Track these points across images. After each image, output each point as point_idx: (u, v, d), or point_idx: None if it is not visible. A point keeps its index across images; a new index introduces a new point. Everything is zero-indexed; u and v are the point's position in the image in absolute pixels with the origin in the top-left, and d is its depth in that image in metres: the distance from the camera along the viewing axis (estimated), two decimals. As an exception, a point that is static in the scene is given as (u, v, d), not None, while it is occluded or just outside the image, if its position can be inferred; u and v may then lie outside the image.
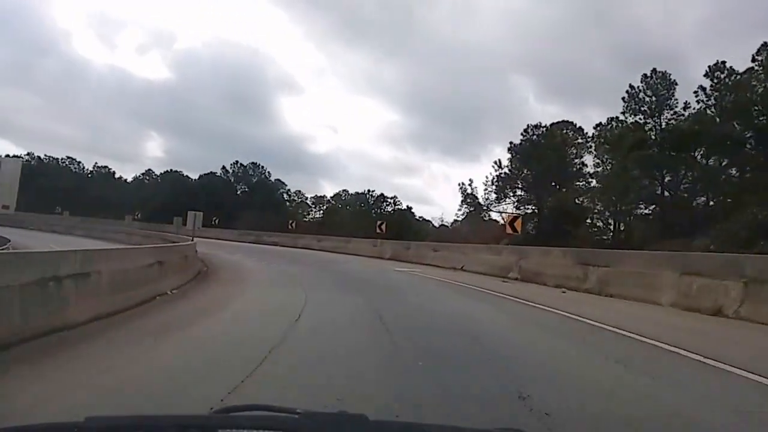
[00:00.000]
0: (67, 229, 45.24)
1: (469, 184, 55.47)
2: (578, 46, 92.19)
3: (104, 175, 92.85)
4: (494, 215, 52.87)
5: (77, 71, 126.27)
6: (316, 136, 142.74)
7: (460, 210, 57.27)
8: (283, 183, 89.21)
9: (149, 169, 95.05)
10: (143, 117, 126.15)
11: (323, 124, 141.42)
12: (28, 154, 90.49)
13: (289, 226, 49.11)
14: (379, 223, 40.27)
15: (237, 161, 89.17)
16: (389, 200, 77.50)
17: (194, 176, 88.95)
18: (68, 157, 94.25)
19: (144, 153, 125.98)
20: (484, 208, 53.57)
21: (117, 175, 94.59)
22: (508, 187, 52.81)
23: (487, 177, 63.57)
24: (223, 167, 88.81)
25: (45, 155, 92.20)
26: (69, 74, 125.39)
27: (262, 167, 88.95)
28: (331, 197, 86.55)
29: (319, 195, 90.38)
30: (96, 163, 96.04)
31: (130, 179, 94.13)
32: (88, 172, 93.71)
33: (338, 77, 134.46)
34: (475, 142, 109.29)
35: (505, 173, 53.16)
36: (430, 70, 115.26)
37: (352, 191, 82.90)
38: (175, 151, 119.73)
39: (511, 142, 53.31)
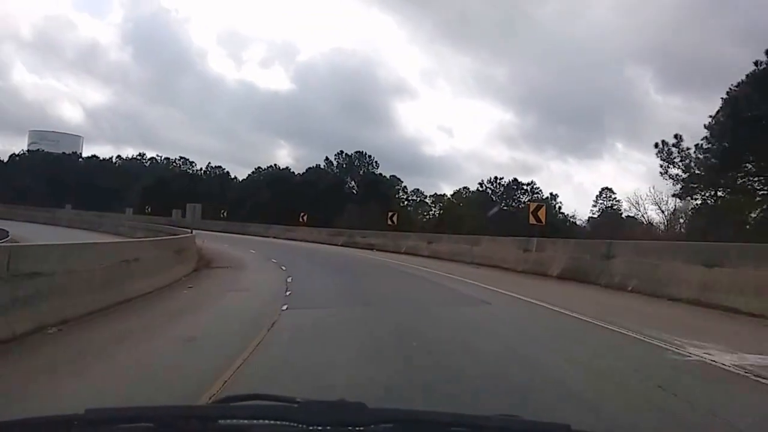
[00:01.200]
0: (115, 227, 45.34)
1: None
2: (699, 33, 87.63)
3: (219, 176, 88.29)
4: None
5: (211, 87, 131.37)
6: (431, 139, 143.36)
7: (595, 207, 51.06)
8: (399, 179, 79.24)
9: (258, 167, 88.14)
10: (271, 126, 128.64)
11: (437, 126, 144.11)
12: (173, 160, 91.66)
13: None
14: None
15: (341, 151, 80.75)
16: (524, 187, 67.35)
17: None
18: (209, 164, 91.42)
19: (275, 161, 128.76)
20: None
21: (232, 175, 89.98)
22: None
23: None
24: (327, 158, 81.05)
25: (180, 157, 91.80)
26: (205, 90, 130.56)
27: (369, 156, 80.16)
28: (451, 195, 76.80)
29: (438, 194, 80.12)
30: (209, 162, 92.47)
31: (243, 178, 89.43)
32: (203, 172, 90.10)
33: (448, 79, 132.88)
34: (595, 138, 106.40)
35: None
36: (543, 68, 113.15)
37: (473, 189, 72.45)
38: (304, 159, 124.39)
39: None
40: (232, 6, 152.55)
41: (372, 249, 30.48)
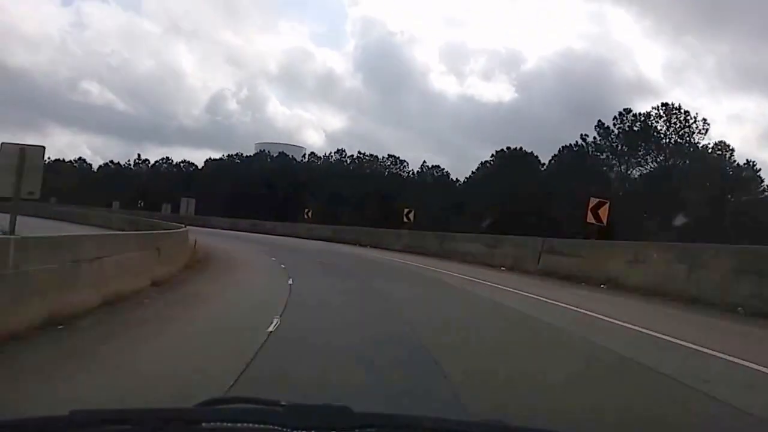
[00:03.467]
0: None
1: None
2: None
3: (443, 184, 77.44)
4: None
5: (434, 103, 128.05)
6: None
7: None
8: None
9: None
10: (491, 137, 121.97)
11: (698, 125, 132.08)
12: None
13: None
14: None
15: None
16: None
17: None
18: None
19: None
20: None
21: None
22: None
23: None
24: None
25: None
26: (429, 107, 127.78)
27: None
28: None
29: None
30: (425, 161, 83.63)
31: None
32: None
33: (702, 72, 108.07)
34: None
35: None
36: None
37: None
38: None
39: None
40: (454, 21, 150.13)
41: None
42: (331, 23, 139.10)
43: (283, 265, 16.94)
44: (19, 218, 10.57)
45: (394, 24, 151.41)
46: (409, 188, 67.41)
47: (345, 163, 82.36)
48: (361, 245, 34.36)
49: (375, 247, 32.91)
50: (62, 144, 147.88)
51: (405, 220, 34.39)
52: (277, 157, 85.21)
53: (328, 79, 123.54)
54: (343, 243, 36.45)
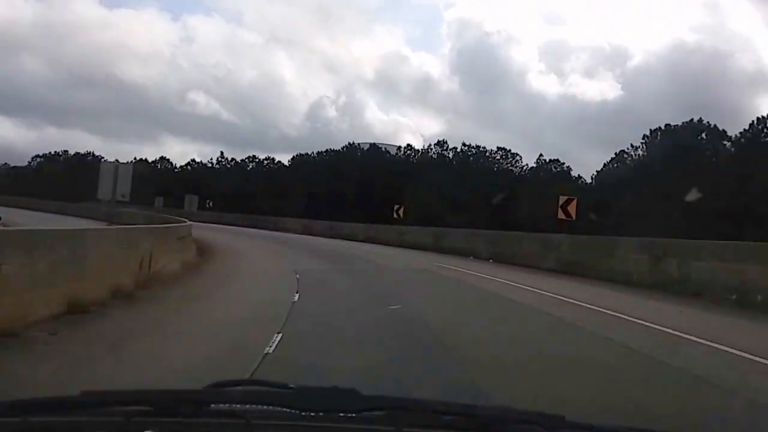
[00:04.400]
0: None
1: None
2: None
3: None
4: None
5: (533, 103, 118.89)
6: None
7: None
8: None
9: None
10: (596, 137, 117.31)
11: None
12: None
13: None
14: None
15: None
16: None
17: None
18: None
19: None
20: None
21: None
22: None
23: None
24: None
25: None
26: (528, 107, 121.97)
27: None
28: None
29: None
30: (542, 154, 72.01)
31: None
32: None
33: None
34: None
35: None
36: None
37: None
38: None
39: None
40: (554, 18, 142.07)
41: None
42: (427, 26, 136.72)
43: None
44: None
45: (490, 24, 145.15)
46: (525, 185, 58.25)
47: (447, 158, 71.04)
48: (480, 258, 21.39)
49: (503, 262, 19.89)
50: (175, 153, 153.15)
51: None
52: (368, 149, 74.25)
53: (424, 83, 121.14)
54: (450, 254, 23.13)
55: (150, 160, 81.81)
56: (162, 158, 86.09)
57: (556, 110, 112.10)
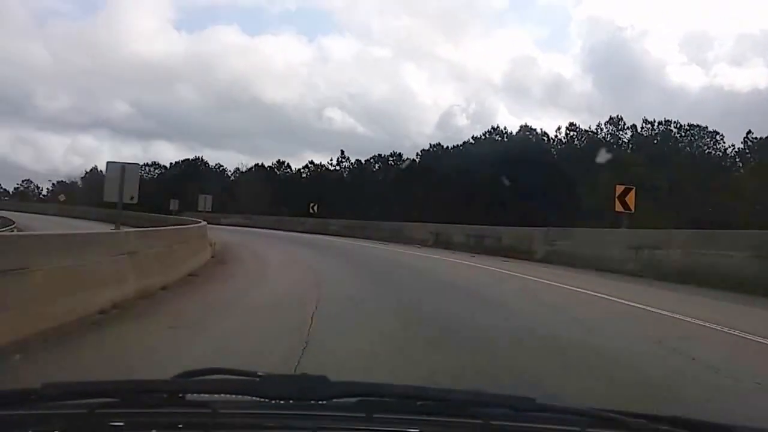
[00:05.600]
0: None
1: None
2: None
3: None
4: None
5: (673, 97, 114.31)
6: None
7: None
8: None
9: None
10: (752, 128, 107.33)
11: None
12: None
13: None
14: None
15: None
16: None
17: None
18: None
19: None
20: None
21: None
22: None
23: None
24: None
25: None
26: (669, 101, 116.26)
27: None
28: None
29: None
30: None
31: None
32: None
33: None
34: None
35: None
36: None
37: None
38: None
39: None
40: (691, 6, 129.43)
41: None
42: (554, 26, 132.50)
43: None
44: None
45: (622, 19, 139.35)
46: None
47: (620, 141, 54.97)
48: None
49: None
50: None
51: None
52: (517, 133, 60.67)
53: (555, 84, 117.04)
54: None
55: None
56: (279, 161, 79.53)
57: (700, 101, 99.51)
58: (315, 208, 45.54)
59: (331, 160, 75.71)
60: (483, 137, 63.14)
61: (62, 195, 64.29)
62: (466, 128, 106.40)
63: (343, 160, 75.45)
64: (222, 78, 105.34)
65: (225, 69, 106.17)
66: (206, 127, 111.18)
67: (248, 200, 61.46)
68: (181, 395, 1.37)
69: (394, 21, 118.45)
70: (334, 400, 1.36)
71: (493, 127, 64.32)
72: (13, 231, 19.99)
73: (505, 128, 63.37)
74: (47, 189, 71.23)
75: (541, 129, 62.59)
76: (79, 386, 1.39)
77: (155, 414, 1.35)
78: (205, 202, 34.17)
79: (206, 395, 1.39)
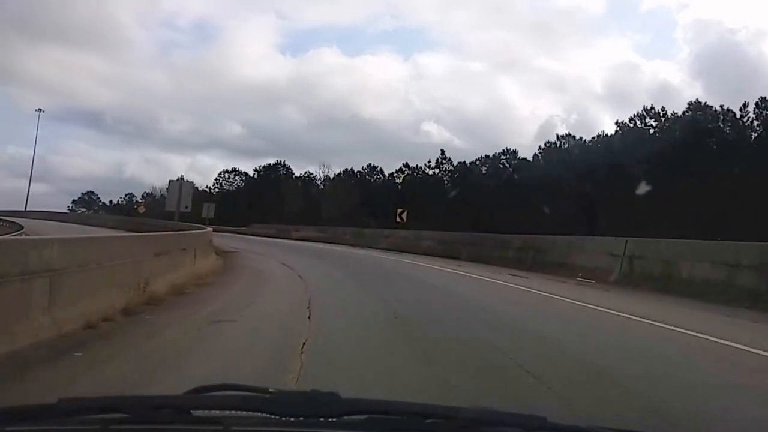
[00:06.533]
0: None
1: None
2: None
3: None
4: None
5: None
6: None
7: None
8: None
9: None
10: None
11: None
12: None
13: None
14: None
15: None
16: None
17: None
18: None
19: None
20: None
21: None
22: None
23: None
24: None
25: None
26: None
27: None
28: None
29: None
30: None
31: None
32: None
33: None
34: None
35: None
36: None
37: None
38: None
39: None
40: None
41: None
42: (658, 32, 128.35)
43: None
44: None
45: (733, 21, 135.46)
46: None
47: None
48: None
49: None
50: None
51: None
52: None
53: (662, 91, 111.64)
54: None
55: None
56: (370, 166, 70.64)
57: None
58: (403, 216, 35.22)
59: (429, 162, 64.10)
60: (587, 143, 55.02)
61: (142, 207, 65.85)
62: (567, 139, 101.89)
63: (444, 161, 63.08)
64: (323, 97, 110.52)
65: (326, 88, 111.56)
66: (309, 144, 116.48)
67: (333, 210, 57.80)
68: (192, 411, 1.39)
69: (486, 34, 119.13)
70: (344, 417, 1.37)
71: (598, 135, 55.49)
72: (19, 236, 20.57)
73: (608, 134, 54.05)
74: (136, 201, 73.35)
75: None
76: (93, 402, 1.42)
77: (167, 430, 1.37)
78: (207, 210, 31.71)
79: (217, 411, 1.41)
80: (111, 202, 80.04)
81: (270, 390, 1.42)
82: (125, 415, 1.38)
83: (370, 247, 29.38)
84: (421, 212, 43.53)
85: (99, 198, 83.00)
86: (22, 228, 30.07)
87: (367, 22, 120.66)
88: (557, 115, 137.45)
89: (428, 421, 1.42)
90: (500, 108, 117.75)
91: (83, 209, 73.64)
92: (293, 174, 75.05)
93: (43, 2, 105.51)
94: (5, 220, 39.55)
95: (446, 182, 61.19)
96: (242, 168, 79.31)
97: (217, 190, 74.88)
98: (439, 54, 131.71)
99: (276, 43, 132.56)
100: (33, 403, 1.41)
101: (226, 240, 25.62)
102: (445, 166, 63.14)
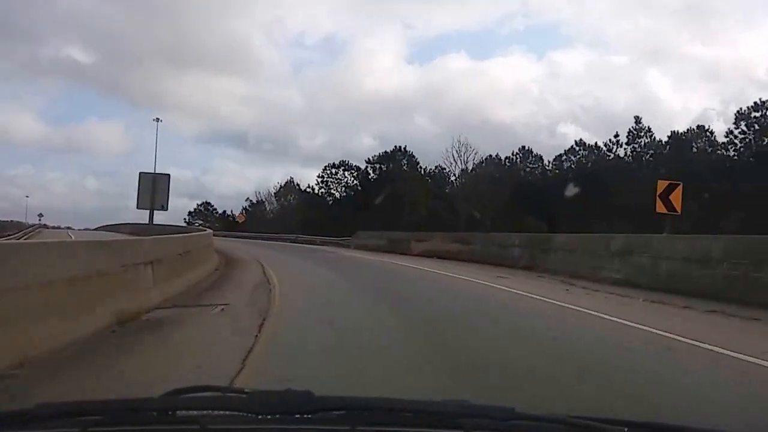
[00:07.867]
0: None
1: None
2: None
3: None
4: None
5: None
6: None
7: None
8: None
9: None
10: None
11: None
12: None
13: None
14: None
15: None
16: None
17: None
18: None
19: None
20: None
21: None
22: None
23: None
24: None
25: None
26: None
27: None
28: None
29: None
30: None
31: None
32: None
33: None
34: None
35: None
36: None
37: None
38: None
39: None
40: None
41: None
42: None
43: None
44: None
45: None
46: None
47: None
48: None
49: None
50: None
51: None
52: None
53: None
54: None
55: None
56: (524, 148, 57.30)
57: None
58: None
59: (618, 136, 50.55)
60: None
61: (241, 216, 66.49)
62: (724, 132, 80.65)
63: (615, 144, 48.84)
64: (453, 104, 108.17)
65: (455, 95, 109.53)
66: (441, 152, 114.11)
67: (472, 208, 45.75)
68: (170, 412, 1.41)
69: (628, 24, 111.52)
70: (319, 413, 1.40)
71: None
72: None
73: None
74: (243, 210, 73.29)
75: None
76: (71, 406, 1.43)
77: (146, 431, 1.39)
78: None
79: (195, 412, 1.43)
80: (224, 212, 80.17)
81: (246, 390, 1.44)
82: (104, 418, 1.40)
83: (529, 268, 17.50)
84: (596, 205, 31.55)
85: (216, 209, 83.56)
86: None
87: (497, 23, 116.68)
88: (713, 109, 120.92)
89: (403, 414, 1.45)
90: (645, 103, 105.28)
91: (200, 221, 74.43)
92: (418, 163, 60.23)
93: (186, 31, 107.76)
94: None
95: (625, 165, 45.59)
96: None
97: (323, 190, 67.26)
98: (576, 49, 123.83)
99: (403, 54, 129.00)
100: (11, 409, 1.41)
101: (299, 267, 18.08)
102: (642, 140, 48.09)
